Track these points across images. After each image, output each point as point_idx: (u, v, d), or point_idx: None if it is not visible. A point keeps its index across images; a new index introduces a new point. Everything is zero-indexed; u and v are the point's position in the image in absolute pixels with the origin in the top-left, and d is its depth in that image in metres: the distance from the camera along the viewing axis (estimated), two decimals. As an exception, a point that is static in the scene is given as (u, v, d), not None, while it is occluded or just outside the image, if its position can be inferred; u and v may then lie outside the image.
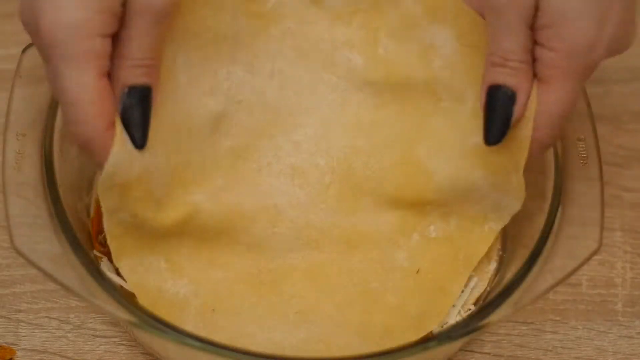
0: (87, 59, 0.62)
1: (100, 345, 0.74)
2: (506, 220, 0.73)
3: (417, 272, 0.71)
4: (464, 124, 0.73)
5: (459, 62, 0.72)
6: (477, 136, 0.69)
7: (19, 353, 0.73)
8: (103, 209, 0.69)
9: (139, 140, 0.65)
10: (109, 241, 0.70)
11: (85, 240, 0.72)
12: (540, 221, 0.71)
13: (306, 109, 0.75)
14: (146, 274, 0.70)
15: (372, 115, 0.75)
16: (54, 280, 0.65)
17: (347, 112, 0.75)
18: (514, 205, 0.72)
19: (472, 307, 0.73)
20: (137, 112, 0.64)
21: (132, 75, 0.64)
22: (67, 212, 0.69)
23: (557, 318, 0.76)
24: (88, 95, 0.62)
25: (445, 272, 0.72)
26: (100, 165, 0.65)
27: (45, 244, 0.67)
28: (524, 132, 0.66)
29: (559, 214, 0.71)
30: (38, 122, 0.72)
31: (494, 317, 0.66)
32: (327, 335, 0.68)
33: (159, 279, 0.70)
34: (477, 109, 0.69)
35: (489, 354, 0.75)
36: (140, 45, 0.64)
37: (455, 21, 0.72)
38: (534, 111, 0.65)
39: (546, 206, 0.71)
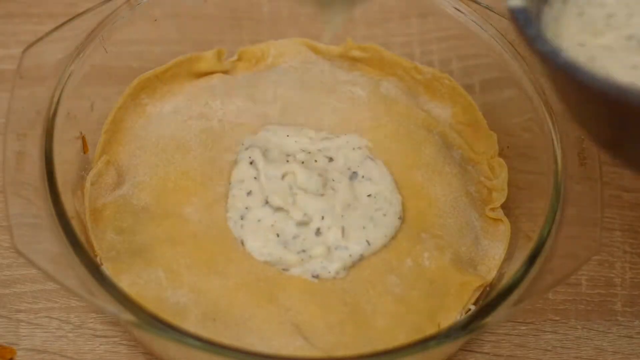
0: None
1: (101, 345, 0.74)
2: (491, 277, 0.74)
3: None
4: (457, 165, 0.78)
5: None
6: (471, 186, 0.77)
7: (19, 353, 0.73)
8: (91, 235, 0.72)
9: None
10: (104, 264, 0.71)
11: (85, 240, 0.72)
12: (540, 221, 0.71)
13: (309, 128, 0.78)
14: (146, 285, 0.71)
15: (370, 135, 0.78)
16: (54, 280, 0.66)
17: (346, 131, 0.78)
18: (498, 253, 0.75)
19: (472, 307, 0.73)
20: None
21: None
22: (67, 212, 0.69)
23: (557, 318, 0.76)
24: None
25: (435, 305, 0.72)
26: None
27: (45, 244, 0.68)
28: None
29: (558, 214, 0.71)
30: (38, 122, 0.72)
31: (494, 317, 0.66)
32: (322, 351, 0.69)
33: (158, 288, 0.70)
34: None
35: (488, 353, 0.75)
36: None
37: (451, 101, 0.81)
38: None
39: (546, 206, 0.71)
